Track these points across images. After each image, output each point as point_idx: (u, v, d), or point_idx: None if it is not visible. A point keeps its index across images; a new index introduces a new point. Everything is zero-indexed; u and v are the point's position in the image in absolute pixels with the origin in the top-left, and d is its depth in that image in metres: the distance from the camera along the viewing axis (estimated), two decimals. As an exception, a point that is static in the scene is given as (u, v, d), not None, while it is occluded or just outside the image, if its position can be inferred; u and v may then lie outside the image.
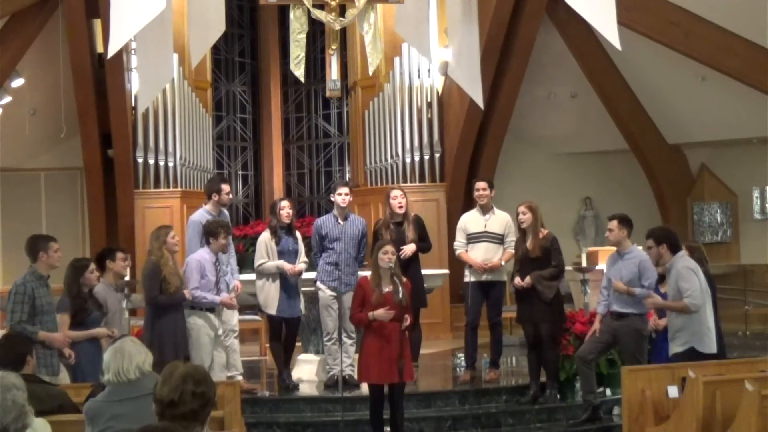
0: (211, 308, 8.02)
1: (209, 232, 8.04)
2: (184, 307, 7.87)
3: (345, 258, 8.68)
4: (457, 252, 8.93)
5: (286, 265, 8.55)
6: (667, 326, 7.21)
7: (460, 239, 8.90)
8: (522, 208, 8.27)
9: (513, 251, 8.68)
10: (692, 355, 6.76)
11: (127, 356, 4.50)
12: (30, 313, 6.52)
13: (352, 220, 8.90)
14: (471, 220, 8.91)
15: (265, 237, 8.69)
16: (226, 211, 8.90)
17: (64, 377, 6.74)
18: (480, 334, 8.95)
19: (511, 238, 8.75)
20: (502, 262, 8.75)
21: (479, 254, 8.74)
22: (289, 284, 8.62)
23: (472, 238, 8.81)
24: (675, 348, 6.89)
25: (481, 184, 8.92)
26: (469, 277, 8.74)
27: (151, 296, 7.67)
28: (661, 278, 7.39)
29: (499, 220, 8.84)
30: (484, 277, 8.70)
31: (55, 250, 6.75)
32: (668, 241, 6.98)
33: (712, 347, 6.89)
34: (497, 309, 8.88)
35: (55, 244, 6.78)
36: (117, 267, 7.60)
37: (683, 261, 6.95)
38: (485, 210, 8.86)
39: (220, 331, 8.10)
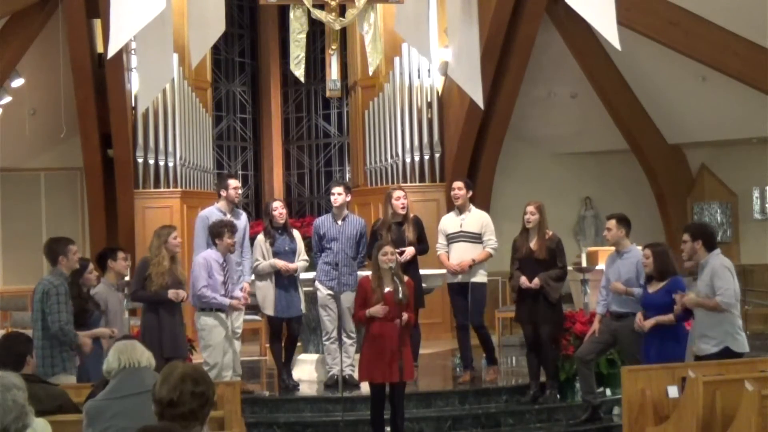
0: (220, 309, 8.03)
1: (214, 234, 8.05)
2: (195, 308, 7.89)
3: (342, 258, 8.68)
4: (438, 253, 8.94)
5: (279, 262, 8.54)
6: (654, 326, 7.17)
7: (440, 240, 8.92)
8: (531, 209, 8.23)
9: (490, 251, 8.69)
10: (726, 354, 6.74)
11: (139, 348, 4.67)
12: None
13: (351, 220, 8.90)
14: (448, 221, 8.94)
15: (260, 239, 8.69)
16: (241, 211, 8.89)
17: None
18: (474, 335, 8.93)
19: (489, 237, 8.75)
20: (474, 260, 8.68)
21: (457, 254, 8.74)
22: (286, 284, 8.61)
23: (450, 239, 8.83)
24: (708, 348, 6.83)
25: (456, 184, 8.93)
26: (449, 278, 8.81)
27: (131, 291, 7.76)
28: (649, 279, 7.35)
29: (476, 220, 8.83)
30: (458, 279, 8.68)
31: (73, 253, 6.82)
32: (704, 238, 6.94)
33: (745, 346, 6.88)
34: (479, 311, 8.81)
35: (73, 246, 6.86)
36: (118, 267, 7.60)
37: (720, 259, 6.91)
38: (462, 210, 8.86)
39: (230, 332, 8.12)
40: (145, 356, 4.62)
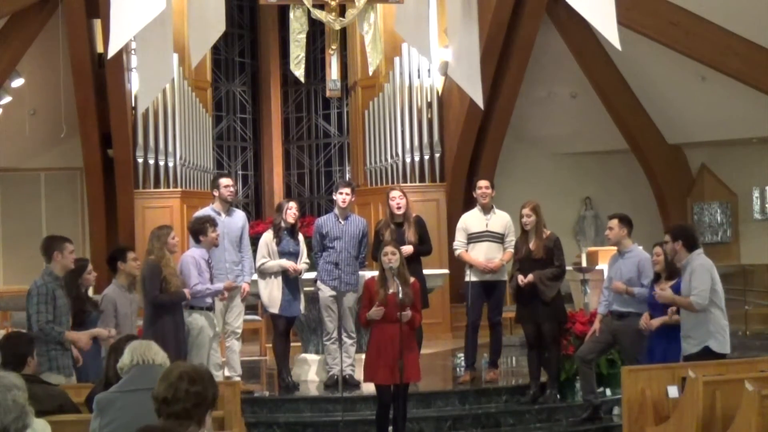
0: (211, 307, 8.03)
1: (196, 231, 8.03)
2: (184, 307, 7.86)
3: (345, 257, 8.68)
4: (457, 252, 8.86)
5: (288, 263, 8.56)
6: (660, 326, 7.18)
7: (460, 239, 8.85)
8: (527, 210, 8.23)
9: (513, 251, 8.67)
10: (707, 354, 6.75)
11: (154, 347, 4.69)
12: (54, 314, 6.56)
13: (353, 219, 8.90)
14: (472, 220, 8.87)
15: (267, 237, 8.69)
16: (237, 210, 8.88)
17: (73, 379, 6.75)
18: (479, 334, 8.94)
19: (511, 238, 8.72)
20: (502, 261, 8.71)
21: (481, 254, 8.70)
22: (290, 284, 8.63)
23: (473, 238, 8.77)
24: (690, 348, 6.85)
25: (483, 183, 8.88)
26: (470, 276, 8.71)
27: (153, 296, 7.62)
28: (657, 277, 7.37)
29: (500, 220, 8.82)
30: (487, 277, 8.69)
31: (70, 251, 6.77)
32: (684, 238, 6.97)
33: (726, 347, 6.87)
34: (498, 309, 8.86)
35: (70, 245, 6.80)
36: (128, 268, 7.50)
37: (700, 259, 6.91)
38: (486, 210, 8.83)
39: (218, 329, 8.13)
40: (159, 356, 4.64)
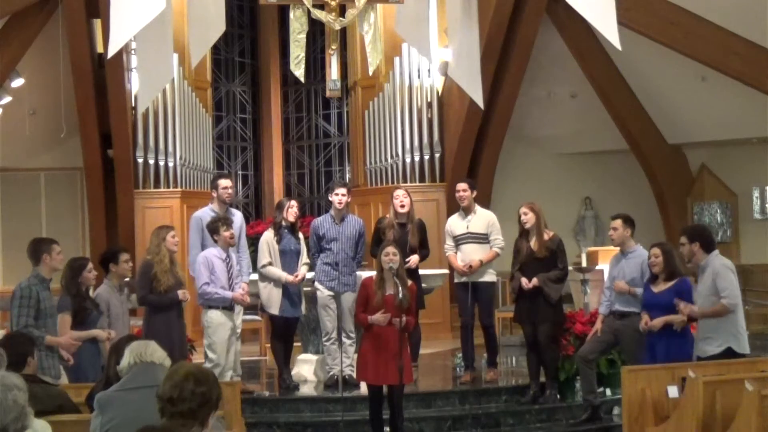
0: (230, 307, 8.04)
1: (211, 231, 8.07)
2: (201, 305, 7.89)
3: (343, 258, 8.68)
4: (446, 254, 8.94)
5: (288, 277, 8.55)
6: (660, 327, 7.16)
7: (448, 242, 8.91)
8: (523, 209, 8.25)
9: (497, 251, 8.68)
10: (729, 355, 6.73)
11: (152, 346, 4.70)
12: (35, 317, 6.53)
13: (350, 220, 8.89)
14: (455, 223, 8.91)
15: (268, 236, 8.69)
16: (234, 210, 8.89)
17: (63, 380, 6.73)
18: (477, 334, 8.94)
19: (496, 236, 8.74)
20: (482, 261, 8.67)
21: (464, 256, 8.73)
22: (290, 286, 8.62)
23: (458, 240, 8.81)
24: (711, 350, 6.81)
25: (461, 186, 8.91)
26: (457, 278, 8.78)
27: (140, 295, 7.68)
28: (654, 278, 7.33)
29: (482, 220, 8.82)
30: (463, 279, 8.68)
31: (57, 252, 6.79)
32: (701, 239, 6.94)
33: (747, 347, 6.88)
34: (488, 311, 8.84)
35: (57, 246, 6.82)
36: (121, 270, 7.52)
37: (720, 259, 6.90)
38: (467, 211, 8.85)
39: (238, 331, 8.15)
40: (156, 354, 4.65)
